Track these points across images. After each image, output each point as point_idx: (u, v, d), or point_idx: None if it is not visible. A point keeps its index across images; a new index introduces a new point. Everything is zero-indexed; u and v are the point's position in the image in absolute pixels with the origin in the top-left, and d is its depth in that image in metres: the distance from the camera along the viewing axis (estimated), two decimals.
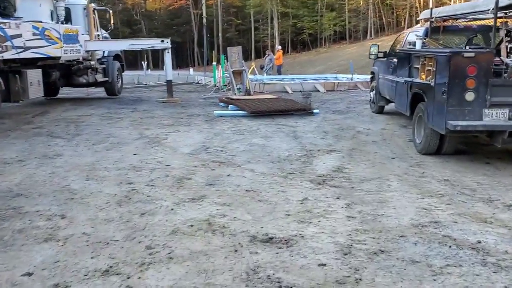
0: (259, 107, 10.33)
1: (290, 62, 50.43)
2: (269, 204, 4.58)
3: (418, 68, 6.82)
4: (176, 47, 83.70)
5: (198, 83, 21.89)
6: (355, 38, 59.99)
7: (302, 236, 3.78)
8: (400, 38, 9.31)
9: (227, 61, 14.98)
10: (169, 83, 13.76)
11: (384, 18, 58.94)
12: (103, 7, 14.38)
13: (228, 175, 5.61)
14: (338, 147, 7.14)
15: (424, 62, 6.51)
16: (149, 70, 31.40)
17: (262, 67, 26.87)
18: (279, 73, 25.34)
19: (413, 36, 8.21)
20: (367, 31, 58.57)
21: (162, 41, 13.40)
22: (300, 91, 13.72)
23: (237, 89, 14.73)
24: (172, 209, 4.45)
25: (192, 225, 4.04)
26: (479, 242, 3.63)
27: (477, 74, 5.48)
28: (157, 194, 4.90)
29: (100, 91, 15.90)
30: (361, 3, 59.56)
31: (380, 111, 10.37)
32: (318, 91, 16.00)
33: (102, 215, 4.34)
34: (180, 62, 79.75)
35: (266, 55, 26.57)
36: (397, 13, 60.29)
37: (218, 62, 19.03)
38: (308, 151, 6.90)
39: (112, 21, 14.32)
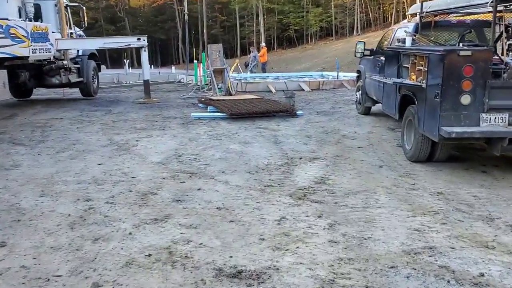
0: (239, 109, 9.76)
1: (276, 59, 49.90)
2: (242, 225, 4.02)
3: (408, 67, 6.30)
4: (160, 44, 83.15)
5: (179, 82, 21.25)
6: (342, 34, 59.60)
7: (277, 269, 3.23)
8: (388, 35, 8.80)
9: (208, 59, 14.40)
10: (146, 83, 13.12)
11: (370, 14, 58.61)
12: (76, 4, 13.63)
13: (199, 189, 5.04)
14: (321, 153, 6.61)
15: (415, 61, 5.99)
16: (130, 68, 30.66)
17: (246, 65, 26.30)
18: (263, 70, 24.78)
19: (402, 32, 7.70)
20: (354, 27, 58.19)
21: (139, 39, 12.75)
22: (283, 90, 13.16)
23: (218, 88, 14.14)
24: (130, 233, 3.87)
25: (149, 255, 3.47)
26: (482, 275, 3.11)
27: (474, 75, 4.97)
28: (116, 214, 4.31)
29: (77, 92, 15.18)
30: None
31: (367, 112, 9.87)
32: (303, 90, 15.47)
33: (49, 242, 3.76)
34: (165, 59, 78.93)
35: (251, 52, 25.97)
36: (384, 8, 60.02)
37: (200, 59, 18.41)
38: (289, 158, 6.35)
39: (85, 19, 13.62)
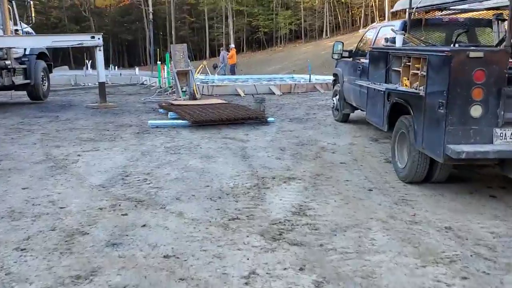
0: (203, 116, 8.65)
1: (246, 61, 48.94)
2: (195, 286, 2.93)
3: (398, 71, 5.33)
4: (127, 45, 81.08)
5: (142, 84, 19.95)
6: (311, 37, 59.14)
7: None
8: (369, 35, 7.84)
9: (171, 60, 13.25)
10: (101, 86, 11.85)
11: (339, 17, 58.32)
12: None
13: (143, 225, 3.91)
14: (298, 172, 5.56)
15: (408, 63, 5.02)
16: (90, 69, 29.01)
17: (215, 66, 25.20)
18: (232, 73, 23.71)
19: (387, 31, 6.76)
20: (323, 30, 57.80)
21: (93, 37, 11.48)
22: (253, 95, 12.09)
23: (183, 91, 13.00)
24: None
25: None
26: None
27: (486, 81, 4.01)
28: (24, 270, 3.15)
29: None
30: (316, 1, 58.74)
31: (345, 119, 8.90)
32: (274, 93, 14.46)
33: None
34: (132, 60, 76.83)
35: (220, 53, 24.87)
36: (352, 12, 59.87)
37: (164, 61, 17.18)
38: (259, 178, 5.28)
39: (33, 14, 12.23)
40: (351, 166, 5.82)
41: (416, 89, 4.73)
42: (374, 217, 4.10)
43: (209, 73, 24.32)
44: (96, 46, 11.55)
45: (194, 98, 11.28)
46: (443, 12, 6.18)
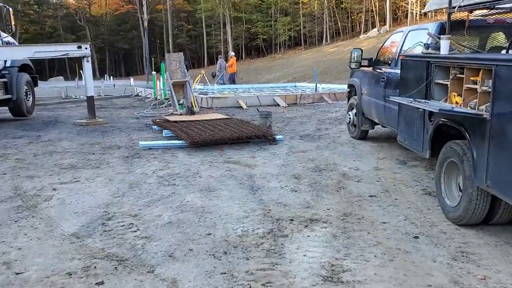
0: (202, 135, 7.59)
1: (245, 68, 48.04)
2: None
3: (444, 84, 4.29)
4: (124, 54, 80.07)
5: (137, 95, 18.91)
6: (311, 44, 58.29)
7: None
8: (394, 40, 6.81)
9: (167, 71, 12.23)
10: (90, 100, 10.80)
11: (339, 23, 57.44)
12: (0, 4, 11.18)
13: None
14: (321, 210, 4.50)
15: (460, 75, 3.98)
16: (83, 81, 28.03)
17: (214, 75, 24.18)
18: (232, 82, 22.67)
19: (418, 35, 5.73)
20: (323, 36, 56.92)
21: (79, 47, 10.43)
22: (257, 108, 11.03)
23: (180, 104, 11.96)
24: None
25: None
26: None
27: None
28: None
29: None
30: (316, 7, 57.88)
31: (363, 136, 7.85)
32: (278, 105, 13.42)
33: None
34: (129, 70, 75.81)
35: (218, 61, 23.85)
36: (352, 17, 59.04)
37: (159, 71, 16.16)
38: (274, 221, 4.22)
39: (13, 22, 11.19)
40: (383, 201, 4.75)
41: (476, 109, 3.68)
42: (433, 285, 3.04)
43: (208, 82, 23.33)
44: (84, 57, 10.51)
45: (192, 113, 10.24)
46: (488, 12, 5.13)
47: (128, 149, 7.52)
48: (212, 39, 66.47)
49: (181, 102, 12.15)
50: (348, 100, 8.41)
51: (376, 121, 7.01)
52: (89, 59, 10.60)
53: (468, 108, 3.80)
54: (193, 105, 12.30)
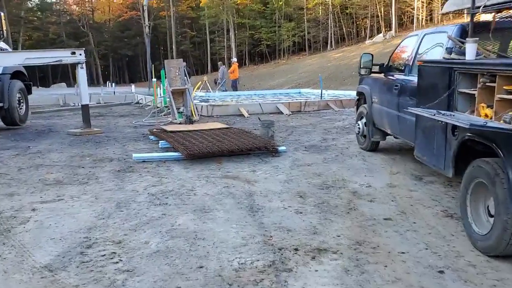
0: (200, 146, 7.07)
1: (248, 75, 47.65)
2: None
3: (471, 94, 3.75)
4: (128, 61, 79.77)
5: (138, 103, 18.44)
6: (315, 49, 57.87)
7: None
8: (407, 45, 6.28)
9: (166, 78, 11.75)
10: (84, 109, 10.31)
11: (344, 28, 56.98)
12: None
13: None
14: (330, 237, 3.95)
15: (490, 84, 3.44)
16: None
17: (216, 82, 23.73)
18: (234, 88, 22.19)
19: (435, 39, 5.20)
20: (327, 41, 56.49)
21: (73, 53, 9.97)
22: (259, 118, 10.51)
23: (179, 113, 11.46)
24: None
25: None
26: None
27: None
28: None
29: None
30: (320, 12, 57.47)
31: (374, 148, 7.30)
32: (282, 113, 12.89)
33: None
34: (133, 76, 75.53)
35: (219, 68, 23.39)
36: (357, 23, 58.59)
37: (159, 77, 15.68)
38: (276, 251, 3.68)
39: (4, 27, 10.71)
40: (400, 225, 4.20)
41: (510, 122, 3.14)
42: None
43: (210, 89, 22.87)
44: (78, 63, 10.04)
45: (191, 122, 9.73)
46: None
47: (121, 162, 7.00)
48: (216, 46, 66.14)
49: (180, 110, 11.66)
50: (357, 108, 7.88)
51: (389, 132, 6.47)
52: (84, 65, 10.13)
53: (502, 122, 3.25)
54: (193, 113, 11.81)
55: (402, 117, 5.63)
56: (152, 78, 18.28)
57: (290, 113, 12.79)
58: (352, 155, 7.16)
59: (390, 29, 49.04)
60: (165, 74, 12.05)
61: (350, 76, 34.00)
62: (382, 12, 52.07)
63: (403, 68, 6.09)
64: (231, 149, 6.98)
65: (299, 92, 22.16)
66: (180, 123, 10.58)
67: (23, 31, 64.02)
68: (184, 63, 25.55)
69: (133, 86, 25.43)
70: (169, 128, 8.95)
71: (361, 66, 6.68)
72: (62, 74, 69.13)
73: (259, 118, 8.75)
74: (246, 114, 12.37)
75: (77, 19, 70.62)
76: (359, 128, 7.51)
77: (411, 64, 5.78)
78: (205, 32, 66.63)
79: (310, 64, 44.19)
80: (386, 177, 5.84)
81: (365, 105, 7.35)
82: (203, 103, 13.39)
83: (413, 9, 48.02)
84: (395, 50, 6.67)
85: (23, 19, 60.77)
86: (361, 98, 7.76)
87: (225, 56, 57.42)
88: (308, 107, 13.46)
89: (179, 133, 8.33)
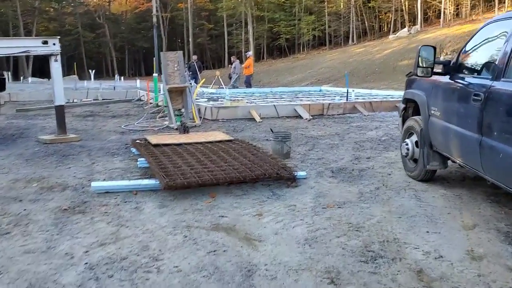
0: (186, 172, 5.08)
1: (266, 69, 45.68)
2: None
3: None
4: (144, 53, 78.05)
5: (139, 100, 16.54)
6: (336, 44, 55.46)
7: None
8: (494, 34, 4.17)
9: (161, 74, 9.83)
10: (58, 111, 8.43)
11: (366, 22, 54.42)
12: None
13: None
14: None
15: None
16: (85, 81, 25.86)
17: (230, 77, 21.77)
18: (248, 85, 20.16)
19: None
20: (349, 36, 54.03)
21: (45, 42, 8.07)
22: (271, 129, 8.44)
23: (178, 115, 9.52)
24: None
25: None
26: None
27: None
28: None
29: None
30: (342, 6, 54.99)
31: (428, 177, 5.23)
32: (301, 117, 10.84)
33: None
34: (150, 69, 73.77)
35: (232, 63, 21.38)
36: (380, 17, 56.01)
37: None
38: None
39: None
40: None
41: None
42: None
43: (223, 85, 20.93)
44: (51, 55, 8.14)
45: (185, 130, 7.75)
46: None
47: (76, 193, 5.04)
48: (233, 39, 64.11)
49: (179, 111, 9.73)
50: (403, 121, 5.82)
51: (458, 161, 4.40)
52: (58, 58, 8.23)
53: None
54: (194, 117, 9.84)
55: (489, 145, 3.57)
56: (155, 72, 16.38)
57: (311, 117, 10.73)
58: (399, 188, 5.10)
59: (415, 24, 46.46)
60: (160, 69, 10.07)
61: (373, 72, 31.73)
62: (407, 6, 49.41)
63: (486, 70, 4.01)
64: (229, 178, 4.97)
65: (320, 90, 20.08)
66: (176, 128, 8.62)
67: (38, 22, 62.74)
68: (195, 57, 23.70)
69: (138, 80, 23.53)
70: (155, 139, 6.96)
71: (419, 64, 4.58)
72: (79, 65, 67.38)
73: (271, 130, 6.70)
74: (258, 119, 10.34)
75: (93, 10, 69.16)
76: (407, 149, 5.43)
77: (504, 64, 3.70)
78: (223, 24, 64.63)
79: (331, 59, 41.90)
80: (460, 236, 3.77)
81: (417, 118, 5.29)
82: (207, 104, 11.36)
83: (440, 2, 45.27)
84: (468, 43, 4.56)
85: (37, 9, 59.42)
86: (410, 107, 5.71)
87: (243, 50, 55.27)
88: (332, 110, 11.38)
89: (165, 147, 6.36)
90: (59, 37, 8.27)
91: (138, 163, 6.12)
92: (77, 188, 5.21)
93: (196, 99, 14.21)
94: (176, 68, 9.60)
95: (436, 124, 4.73)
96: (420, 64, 4.55)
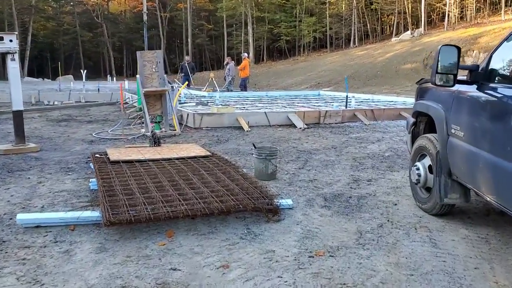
0: (138, 203, 4.01)
1: (265, 71, 44.67)
2: None
3: None
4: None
5: (125, 103, 15.48)
6: (337, 46, 54.44)
7: None
8: None
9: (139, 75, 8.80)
10: (16, 117, 7.38)
11: (368, 25, 53.37)
12: None
13: None
14: None
15: None
16: (72, 82, 24.77)
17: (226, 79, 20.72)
18: (243, 88, 19.11)
19: None
20: (350, 38, 52.99)
21: (1, 38, 7.02)
22: (253, 144, 7.37)
23: (156, 122, 8.48)
24: None
25: None
26: None
27: None
28: None
29: None
30: (344, 7, 53.98)
31: (446, 210, 4.16)
32: (294, 126, 9.77)
33: None
34: None
35: (226, 64, 20.32)
36: (382, 19, 54.98)
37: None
38: None
39: None
40: None
41: None
42: None
43: (217, 87, 19.89)
44: (7, 53, 7.09)
45: (156, 143, 6.67)
46: None
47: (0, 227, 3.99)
48: (233, 40, 63.10)
49: (159, 118, 8.68)
50: (413, 137, 4.75)
51: (489, 199, 3.32)
52: (16, 56, 7.18)
53: None
54: (174, 124, 8.79)
55: None
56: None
57: (305, 126, 9.66)
58: (408, 226, 4.02)
59: (418, 27, 45.43)
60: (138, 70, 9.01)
61: (374, 76, 30.70)
62: (410, 8, 48.38)
63: None
64: (192, 211, 3.90)
65: (319, 94, 19.03)
66: (158, 136, 7.55)
67: (35, 21, 61.62)
68: (188, 57, 22.64)
69: (126, 81, 22.45)
70: (116, 154, 5.88)
71: (438, 70, 3.51)
72: (76, 65, 66.34)
73: (253, 145, 5.59)
74: (246, 127, 9.26)
75: (92, 9, 68.12)
76: (418, 175, 4.35)
77: None
78: (223, 25, 63.65)
79: (331, 62, 40.87)
80: None
81: (431, 137, 4.22)
82: (189, 111, 10.21)
83: (444, 5, 44.19)
84: (503, 43, 3.49)
85: (34, 7, 58.37)
86: (422, 121, 4.64)
87: (242, 51, 54.19)
88: (330, 118, 10.30)
89: (125, 165, 5.29)
90: (16, 33, 7.23)
91: (90, 184, 5.06)
92: (2, 220, 4.14)
93: (183, 102, 13.16)
94: (154, 70, 8.55)
95: (458, 148, 3.66)
96: (440, 70, 3.48)
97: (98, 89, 18.38)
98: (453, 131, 3.75)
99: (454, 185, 3.90)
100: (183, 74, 19.52)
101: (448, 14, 43.23)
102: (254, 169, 5.53)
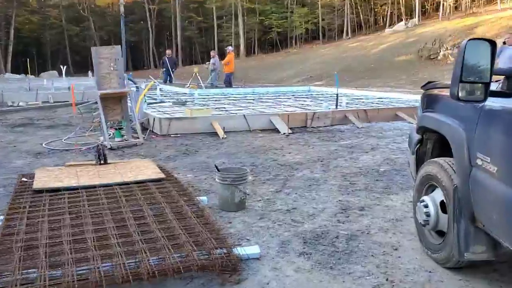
0: (36, 265, 2.86)
1: (256, 65, 43.36)
2: None
3: None
4: (132, 46, 75.35)
5: (96, 103, 14.24)
6: (329, 38, 53.17)
7: None
8: None
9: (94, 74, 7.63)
10: None
11: (361, 15, 52.19)
12: None
13: None
14: None
15: None
16: (64, 77, 23.51)
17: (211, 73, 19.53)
18: (228, 84, 17.92)
19: None
20: (343, 29, 51.76)
21: None
22: (216, 166, 6.17)
23: (117, 129, 7.32)
24: None
25: None
26: None
27: None
28: None
29: None
30: None
31: (465, 263, 3.04)
32: (278, 131, 8.61)
33: None
34: (138, 64, 71.02)
35: (211, 59, 19.12)
36: (376, 10, 53.85)
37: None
38: None
39: None
40: None
41: None
42: None
43: (202, 83, 18.70)
44: None
45: (101, 159, 5.50)
46: None
47: None
48: (223, 32, 61.65)
49: (121, 123, 7.53)
50: (418, 161, 3.62)
51: None
52: None
53: None
54: (139, 133, 7.62)
55: None
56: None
57: (290, 132, 8.49)
58: None
59: (412, 17, 44.33)
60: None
61: (368, 69, 29.54)
62: None
63: None
64: (110, 279, 2.75)
65: (309, 90, 17.88)
66: (110, 148, 6.38)
67: (19, 14, 59.79)
68: (169, 51, 21.38)
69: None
70: (44, 177, 4.70)
71: (463, 77, 2.35)
72: (63, 61, 64.61)
73: (216, 167, 4.40)
74: (221, 134, 8.08)
75: (78, 2, 66.31)
76: (427, 215, 3.22)
77: None
78: (213, 17, 62.17)
79: (324, 54, 39.69)
80: None
81: (443, 162, 3.08)
82: (155, 115, 8.95)
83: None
84: None
85: (16, 0, 56.58)
86: (429, 139, 3.52)
87: (233, 43, 52.76)
88: (318, 121, 9.14)
89: (48, 196, 4.13)
90: None
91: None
92: None
93: (160, 102, 11.99)
94: (112, 68, 7.38)
95: (488, 187, 2.54)
96: (465, 77, 2.34)
97: (68, 87, 17.10)
98: (479, 162, 2.62)
99: (479, 234, 2.78)
100: (164, 69, 18.33)
101: (443, 4, 42.15)
102: (218, 198, 4.39)
